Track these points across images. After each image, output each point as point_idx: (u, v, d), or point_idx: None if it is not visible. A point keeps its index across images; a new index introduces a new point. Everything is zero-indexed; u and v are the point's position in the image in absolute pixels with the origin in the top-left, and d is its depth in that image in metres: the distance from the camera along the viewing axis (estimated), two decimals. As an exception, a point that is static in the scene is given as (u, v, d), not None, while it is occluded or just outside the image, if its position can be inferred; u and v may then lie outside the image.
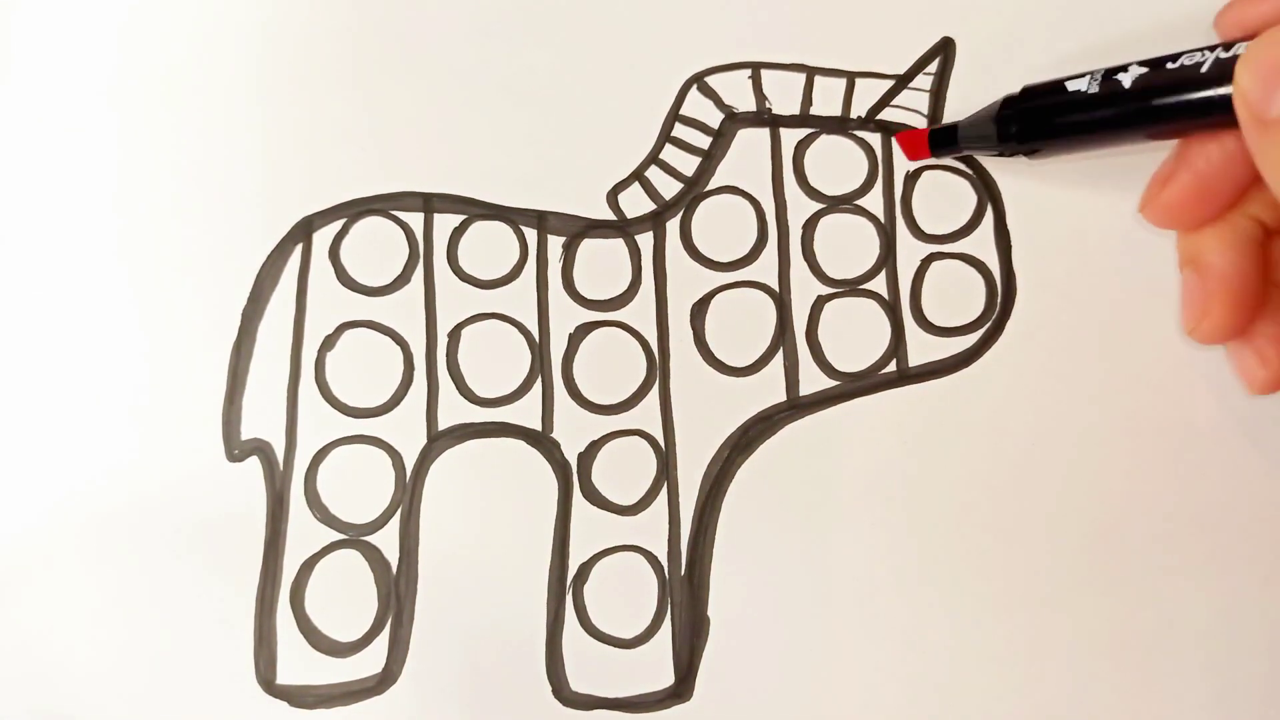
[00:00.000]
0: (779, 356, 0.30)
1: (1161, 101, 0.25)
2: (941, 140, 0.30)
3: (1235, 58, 0.24)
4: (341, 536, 0.30)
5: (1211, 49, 0.25)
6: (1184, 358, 0.30)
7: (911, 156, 0.31)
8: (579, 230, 0.31)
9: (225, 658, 0.29)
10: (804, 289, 0.31)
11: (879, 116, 0.31)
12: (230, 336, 0.31)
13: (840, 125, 0.31)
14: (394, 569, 0.30)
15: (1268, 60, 0.23)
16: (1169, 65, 0.25)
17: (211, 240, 0.31)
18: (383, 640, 0.29)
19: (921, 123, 0.31)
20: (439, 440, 0.30)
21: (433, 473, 0.30)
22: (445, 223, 0.31)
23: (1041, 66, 0.31)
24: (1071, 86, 0.27)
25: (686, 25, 0.32)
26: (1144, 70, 0.25)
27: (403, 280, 0.31)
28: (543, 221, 0.31)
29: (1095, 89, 0.26)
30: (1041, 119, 0.27)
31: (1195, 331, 0.27)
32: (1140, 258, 0.30)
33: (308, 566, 0.30)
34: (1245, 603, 0.29)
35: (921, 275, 0.31)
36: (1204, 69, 0.25)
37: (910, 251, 0.31)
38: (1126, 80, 0.26)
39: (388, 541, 0.30)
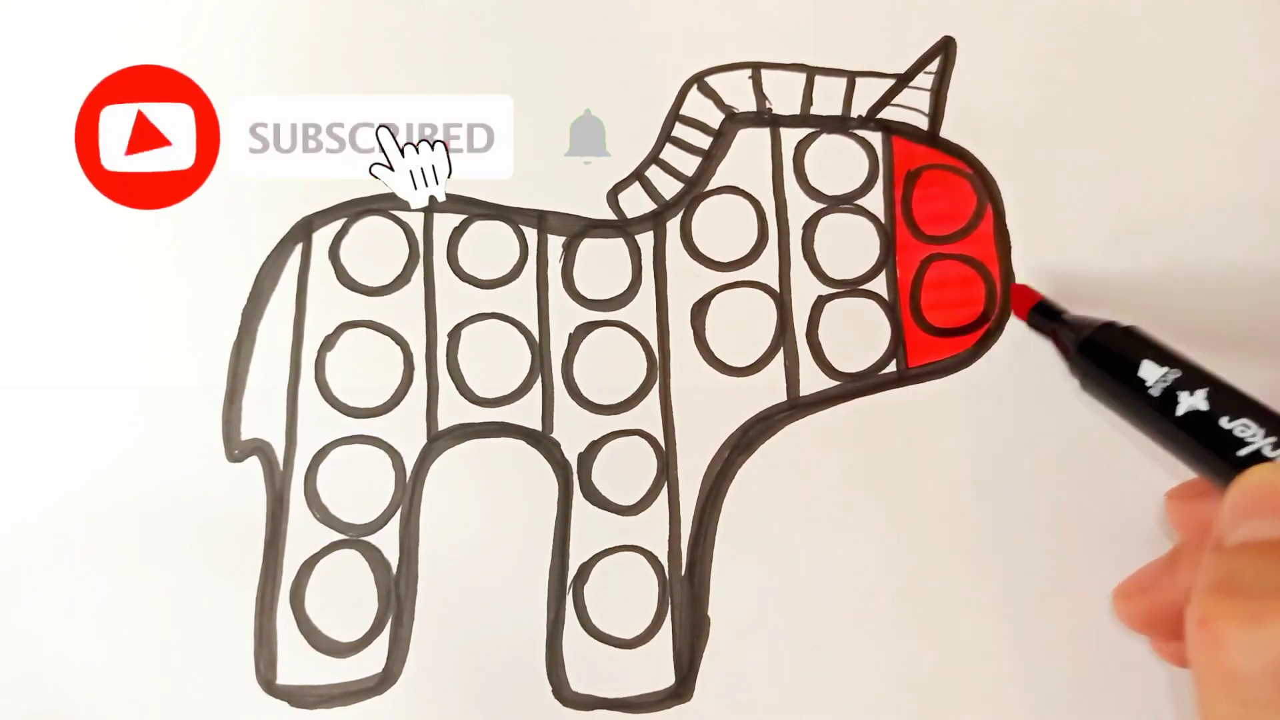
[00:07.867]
0: (779, 356, 0.30)
1: (1189, 445, 0.24)
2: (1044, 314, 0.29)
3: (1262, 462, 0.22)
4: (341, 536, 0.30)
5: (1274, 431, 0.23)
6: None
7: (1019, 312, 0.30)
8: (579, 230, 0.31)
9: (225, 658, 0.29)
10: (804, 289, 0.31)
11: (879, 115, 0.31)
12: (230, 336, 0.30)
13: (840, 125, 0.31)
14: (394, 569, 0.30)
15: (1252, 488, 0.21)
16: (1222, 421, 0.23)
17: (211, 240, 0.31)
18: (383, 640, 0.29)
19: (923, 122, 0.31)
20: (439, 440, 0.30)
21: (433, 473, 0.30)
22: (445, 222, 0.31)
23: (1041, 66, 0.31)
24: (1144, 371, 0.25)
25: (686, 25, 0.32)
26: (1200, 409, 0.24)
27: (403, 280, 0.31)
28: (543, 221, 0.31)
29: (1156, 391, 0.24)
30: (1100, 377, 0.26)
31: (1119, 595, 0.26)
32: (1139, 258, 0.30)
33: (308, 566, 0.30)
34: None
35: (921, 275, 0.31)
36: (1241, 452, 0.23)
37: (910, 251, 0.31)
38: (1181, 406, 0.24)
39: (388, 541, 0.30)
